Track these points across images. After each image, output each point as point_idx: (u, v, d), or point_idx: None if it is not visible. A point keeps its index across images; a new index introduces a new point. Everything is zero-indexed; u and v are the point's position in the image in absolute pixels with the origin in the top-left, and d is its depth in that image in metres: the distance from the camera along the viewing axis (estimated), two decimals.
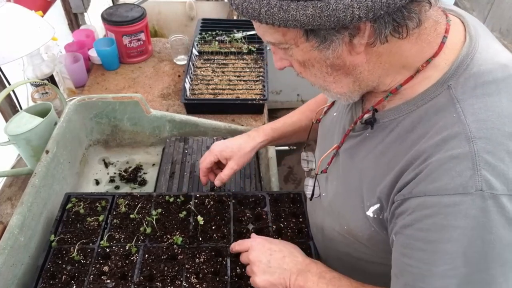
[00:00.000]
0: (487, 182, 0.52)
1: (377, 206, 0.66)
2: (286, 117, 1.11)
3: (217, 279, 0.86)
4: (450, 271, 0.55)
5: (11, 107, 1.38)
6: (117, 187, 1.25)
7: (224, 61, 1.72)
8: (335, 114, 0.84)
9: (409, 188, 0.58)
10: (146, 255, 0.90)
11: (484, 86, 0.57)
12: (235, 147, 1.04)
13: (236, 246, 0.89)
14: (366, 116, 0.70)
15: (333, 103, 0.88)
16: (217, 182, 1.05)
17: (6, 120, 1.32)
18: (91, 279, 0.86)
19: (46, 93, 1.41)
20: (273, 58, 0.69)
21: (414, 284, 0.58)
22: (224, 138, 1.31)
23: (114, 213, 1.00)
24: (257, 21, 0.55)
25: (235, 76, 1.64)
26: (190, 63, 1.66)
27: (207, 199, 1.04)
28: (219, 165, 1.09)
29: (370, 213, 0.67)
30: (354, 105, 0.76)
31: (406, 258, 0.59)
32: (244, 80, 1.62)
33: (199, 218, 0.95)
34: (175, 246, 0.92)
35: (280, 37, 0.59)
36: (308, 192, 0.87)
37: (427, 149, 0.57)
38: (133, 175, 1.27)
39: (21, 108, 1.43)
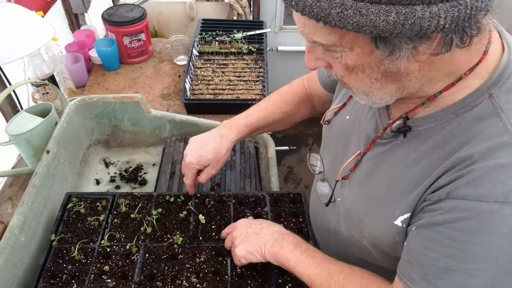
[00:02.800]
0: None
1: (407, 215, 0.65)
2: (260, 109, 1.04)
3: (218, 278, 0.87)
4: (476, 271, 0.55)
5: (11, 107, 1.38)
6: (117, 187, 1.25)
7: (224, 62, 1.73)
8: (347, 117, 0.81)
9: (445, 190, 0.57)
10: (147, 255, 0.91)
11: None
12: (211, 156, 0.96)
13: (225, 230, 0.93)
14: (397, 123, 0.67)
15: (343, 105, 0.84)
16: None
17: (7, 120, 1.32)
18: (92, 278, 0.86)
19: (47, 93, 1.41)
20: (306, 57, 0.62)
21: (437, 275, 0.58)
22: None
23: (115, 212, 1.00)
24: (321, 22, 0.49)
25: (235, 76, 1.65)
26: (190, 63, 1.66)
27: (207, 199, 1.04)
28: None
29: (398, 222, 0.66)
30: (378, 112, 0.73)
31: (432, 252, 0.59)
32: (244, 80, 1.62)
33: (200, 216, 0.96)
34: (175, 245, 0.93)
35: (336, 39, 0.53)
36: (325, 197, 0.85)
37: (472, 155, 0.56)
38: (133, 175, 1.27)
39: (21, 108, 1.43)
